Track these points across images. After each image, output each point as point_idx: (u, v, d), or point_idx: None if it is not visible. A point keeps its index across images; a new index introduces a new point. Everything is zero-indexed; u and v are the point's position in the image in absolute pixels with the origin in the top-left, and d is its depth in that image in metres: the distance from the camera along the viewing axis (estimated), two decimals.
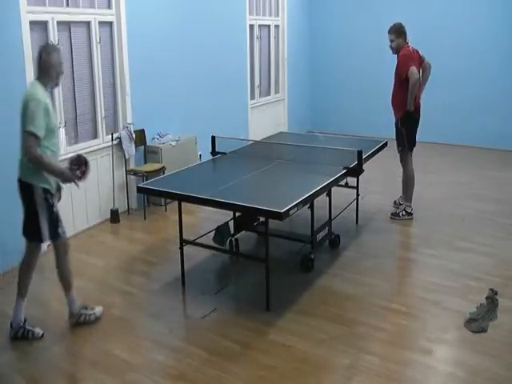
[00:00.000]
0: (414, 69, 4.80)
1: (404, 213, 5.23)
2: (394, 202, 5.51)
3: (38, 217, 3.13)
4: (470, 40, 7.99)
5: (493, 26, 7.82)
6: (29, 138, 2.98)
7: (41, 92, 3.08)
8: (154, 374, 2.98)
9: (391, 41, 5.00)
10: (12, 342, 3.26)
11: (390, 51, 5.08)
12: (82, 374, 2.97)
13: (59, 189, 3.34)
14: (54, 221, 3.20)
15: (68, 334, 3.40)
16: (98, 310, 3.51)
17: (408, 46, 5.00)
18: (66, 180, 3.17)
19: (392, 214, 5.29)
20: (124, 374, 2.98)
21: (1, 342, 3.27)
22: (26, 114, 3.00)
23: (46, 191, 3.14)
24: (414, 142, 5.15)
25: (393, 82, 5.08)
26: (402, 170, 5.27)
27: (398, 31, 4.97)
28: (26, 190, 3.13)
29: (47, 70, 3.11)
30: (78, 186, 3.19)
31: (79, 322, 3.41)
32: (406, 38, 5.02)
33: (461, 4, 8.02)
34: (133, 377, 2.96)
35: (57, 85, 3.26)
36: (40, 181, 3.12)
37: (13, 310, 3.30)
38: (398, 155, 5.23)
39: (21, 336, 3.25)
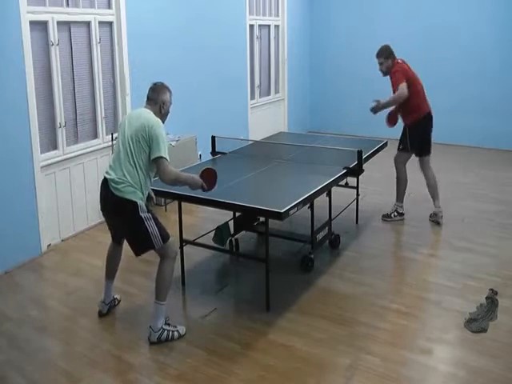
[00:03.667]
0: (403, 85, 4.82)
1: (396, 213, 5.21)
2: (430, 215, 5.21)
3: (148, 228, 3.12)
4: (470, 43, 7.99)
5: (493, 30, 7.83)
6: (164, 162, 3.11)
7: (161, 122, 3.24)
8: (154, 374, 2.98)
9: (380, 63, 5.03)
10: (11, 342, 3.27)
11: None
12: (81, 374, 2.97)
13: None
14: (160, 223, 3.23)
15: (68, 334, 3.40)
16: (181, 328, 3.32)
17: (398, 62, 5.00)
18: (196, 187, 3.26)
19: (383, 215, 5.26)
20: (124, 373, 2.99)
21: (1, 342, 3.28)
22: (155, 140, 3.12)
23: (145, 204, 3.21)
24: (423, 148, 5.15)
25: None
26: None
27: (385, 53, 5.00)
28: (131, 208, 3.11)
29: (161, 107, 3.29)
30: (205, 190, 3.29)
31: (161, 340, 3.21)
32: (394, 58, 5.01)
33: (462, 8, 8.01)
34: (133, 377, 2.97)
35: (164, 120, 3.35)
36: (139, 197, 3.15)
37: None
38: (396, 153, 5.21)
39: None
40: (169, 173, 3.11)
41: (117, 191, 3.11)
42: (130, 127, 3.17)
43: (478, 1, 7.89)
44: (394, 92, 4.98)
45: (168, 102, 3.32)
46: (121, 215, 3.19)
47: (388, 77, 5.08)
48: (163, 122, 3.30)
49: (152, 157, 3.11)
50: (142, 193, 3.18)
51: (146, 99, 3.33)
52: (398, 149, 5.18)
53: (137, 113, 3.28)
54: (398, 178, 5.23)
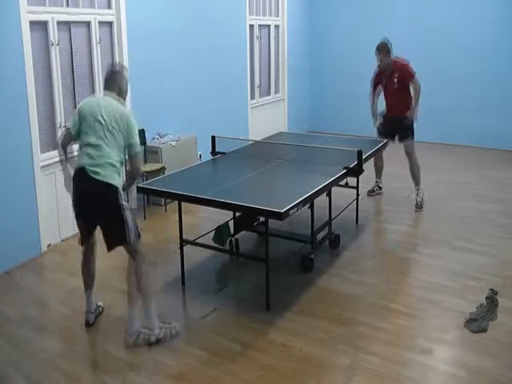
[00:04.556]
0: (417, 79, 5.36)
1: (423, 198, 5.57)
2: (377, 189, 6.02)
3: (125, 218, 3.12)
4: (470, 43, 7.99)
5: (493, 30, 7.83)
6: (139, 154, 3.30)
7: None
8: (154, 374, 2.98)
9: (381, 60, 5.36)
10: (12, 342, 3.27)
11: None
12: (81, 374, 2.97)
13: None
14: (135, 219, 3.22)
15: (68, 334, 3.40)
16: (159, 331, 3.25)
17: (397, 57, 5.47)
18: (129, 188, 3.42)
19: (416, 206, 5.51)
20: (124, 373, 2.99)
21: (1, 342, 3.27)
22: (131, 131, 3.19)
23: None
24: None
25: (391, 89, 5.50)
26: (408, 161, 5.59)
27: (386, 49, 5.32)
28: (113, 193, 3.11)
29: (121, 87, 3.33)
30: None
31: (137, 344, 3.17)
32: (391, 54, 5.38)
33: (462, 8, 8.01)
34: (133, 377, 2.96)
35: (124, 99, 3.43)
36: (119, 183, 3.18)
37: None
38: (405, 145, 5.54)
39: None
40: (141, 161, 3.36)
41: (98, 175, 3.08)
42: (107, 115, 3.15)
43: (479, 1, 7.89)
44: (397, 82, 5.39)
45: (127, 81, 3.38)
46: (101, 201, 3.13)
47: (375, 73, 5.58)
48: (124, 99, 3.39)
49: (130, 146, 3.19)
50: (121, 178, 3.22)
51: (103, 86, 3.37)
52: (407, 138, 5.51)
53: (106, 101, 3.25)
54: (416, 167, 5.57)
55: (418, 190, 5.61)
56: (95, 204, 3.17)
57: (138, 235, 3.21)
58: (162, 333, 3.21)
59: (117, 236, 3.17)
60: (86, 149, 3.16)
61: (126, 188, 3.30)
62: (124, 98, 3.37)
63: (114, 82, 3.30)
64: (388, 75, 5.43)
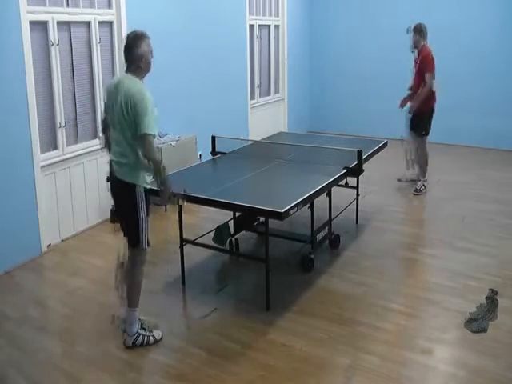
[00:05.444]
0: (430, 77, 5.69)
1: (423, 187, 5.97)
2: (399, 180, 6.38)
3: (139, 220, 3.04)
4: (470, 42, 7.98)
5: (494, 30, 7.83)
6: (149, 139, 2.89)
7: (144, 87, 2.96)
8: (154, 374, 2.98)
9: (411, 37, 5.81)
10: (12, 342, 3.26)
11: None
12: (81, 374, 2.97)
13: None
14: (148, 226, 3.13)
15: (68, 334, 3.40)
16: (157, 332, 3.25)
17: (427, 46, 5.81)
18: (164, 189, 3.02)
19: (414, 190, 5.95)
20: (124, 373, 2.99)
21: (1, 342, 3.27)
22: (139, 120, 2.86)
23: (146, 191, 3.09)
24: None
25: (413, 75, 5.94)
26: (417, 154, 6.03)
27: (417, 30, 5.78)
28: (129, 190, 3.02)
29: (140, 63, 2.97)
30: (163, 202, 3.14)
31: (136, 345, 3.16)
32: (425, 38, 5.79)
33: (463, 8, 8.01)
34: (133, 377, 2.97)
35: (147, 72, 3.06)
36: (143, 180, 3.05)
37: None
38: (417, 140, 5.93)
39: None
40: (154, 150, 2.92)
41: (117, 173, 3.06)
42: (119, 107, 2.94)
43: (479, 1, 7.89)
44: (418, 69, 5.75)
45: (146, 53, 2.97)
46: (119, 198, 3.12)
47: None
48: (147, 72, 3.05)
49: (140, 140, 2.90)
50: (144, 172, 3.03)
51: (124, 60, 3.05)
52: (412, 131, 5.87)
53: (120, 82, 3.00)
54: (424, 157, 5.98)
55: (421, 180, 6.01)
56: (116, 199, 3.20)
57: (148, 242, 3.14)
58: (138, 340, 3.16)
59: (131, 236, 3.13)
60: (111, 142, 3.13)
61: (159, 186, 3.04)
62: (144, 71, 3.02)
63: (130, 55, 2.96)
64: (417, 56, 5.87)
